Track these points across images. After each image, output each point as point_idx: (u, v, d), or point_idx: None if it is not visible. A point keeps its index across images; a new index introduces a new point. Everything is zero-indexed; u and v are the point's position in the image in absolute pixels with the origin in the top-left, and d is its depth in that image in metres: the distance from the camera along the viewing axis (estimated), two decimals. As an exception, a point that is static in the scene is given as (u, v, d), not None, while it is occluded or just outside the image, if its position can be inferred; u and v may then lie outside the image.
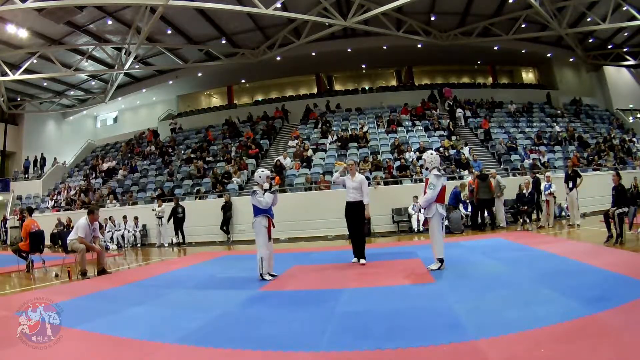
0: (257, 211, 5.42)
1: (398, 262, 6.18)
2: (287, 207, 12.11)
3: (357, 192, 6.03)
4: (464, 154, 13.61)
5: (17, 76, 15.68)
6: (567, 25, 15.76)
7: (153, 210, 12.43)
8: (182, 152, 17.98)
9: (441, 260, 5.24)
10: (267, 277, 5.36)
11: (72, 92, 20.51)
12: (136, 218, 12.93)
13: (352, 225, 6.18)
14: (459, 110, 17.82)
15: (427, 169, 5.46)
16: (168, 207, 12.62)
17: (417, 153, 14.09)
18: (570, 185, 9.30)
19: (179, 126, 21.13)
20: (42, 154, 19.79)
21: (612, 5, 14.18)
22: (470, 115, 17.86)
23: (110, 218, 13.17)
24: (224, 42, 17.55)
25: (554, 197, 9.84)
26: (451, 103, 17.07)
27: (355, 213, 6.08)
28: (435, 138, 15.62)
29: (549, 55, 20.48)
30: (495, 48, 19.05)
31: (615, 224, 6.38)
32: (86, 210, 7.23)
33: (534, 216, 10.37)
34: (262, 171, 5.61)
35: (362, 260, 6.10)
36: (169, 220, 12.35)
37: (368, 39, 18.10)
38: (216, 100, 25.69)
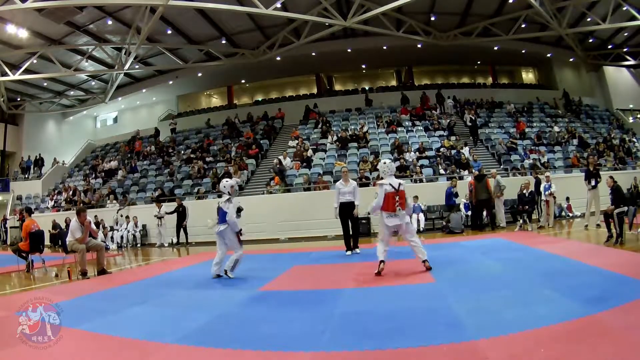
0: (225, 219, 5.52)
1: (398, 262, 6.17)
2: (287, 207, 12.13)
3: (350, 195, 7.17)
4: (463, 154, 13.61)
5: (17, 76, 15.68)
6: (567, 25, 15.75)
7: (155, 216, 12.45)
8: (182, 152, 17.98)
9: (381, 261, 5.16)
10: (231, 275, 5.55)
11: (72, 92, 20.50)
12: (135, 218, 12.95)
13: (347, 221, 7.28)
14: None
15: (381, 177, 5.39)
16: (168, 207, 12.61)
17: (417, 153, 14.10)
18: (593, 183, 8.85)
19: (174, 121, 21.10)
20: (40, 154, 19.78)
21: (612, 5, 14.17)
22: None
23: (119, 214, 13.22)
24: (224, 42, 17.56)
25: (554, 197, 9.82)
26: (473, 118, 16.12)
27: (349, 212, 7.21)
28: (435, 138, 15.62)
29: (549, 55, 20.49)
30: (495, 48, 19.06)
31: (615, 224, 6.38)
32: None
33: (534, 216, 10.34)
34: (227, 181, 5.79)
35: (357, 250, 7.31)
36: (170, 213, 12.33)
37: (368, 39, 18.11)
38: (216, 100, 25.70)
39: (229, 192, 5.65)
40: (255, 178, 15.01)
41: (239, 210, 5.71)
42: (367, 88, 22.50)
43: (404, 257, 6.30)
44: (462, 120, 18.02)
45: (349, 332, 3.13)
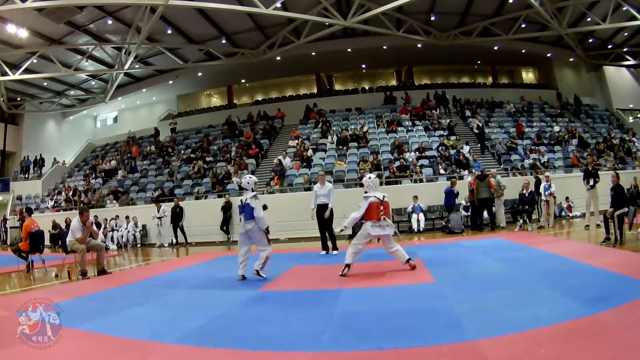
0: (252, 216, 5.34)
1: (398, 262, 6.17)
2: (287, 207, 12.11)
3: (326, 197, 7.45)
4: (463, 154, 13.60)
5: (17, 76, 15.68)
6: (567, 25, 15.75)
7: (153, 218, 12.45)
8: (182, 152, 17.97)
9: (347, 265, 5.32)
10: (263, 275, 5.36)
11: (72, 92, 20.51)
12: (135, 218, 12.95)
13: (322, 223, 7.55)
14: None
15: (365, 191, 5.61)
16: (168, 207, 12.61)
17: (417, 153, 14.10)
18: (592, 182, 8.81)
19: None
20: (40, 154, 19.79)
21: (612, 5, 14.17)
22: (471, 115, 17.89)
23: (114, 218, 13.20)
24: (224, 42, 17.55)
25: (554, 197, 9.82)
26: (480, 125, 15.49)
27: (324, 214, 7.47)
28: (435, 138, 15.61)
29: (549, 55, 20.49)
30: (495, 48, 19.06)
31: (615, 226, 6.36)
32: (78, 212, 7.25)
33: (534, 216, 10.33)
34: (251, 177, 5.64)
35: (335, 251, 7.51)
36: (171, 220, 12.33)
37: (368, 39, 18.11)
38: (216, 100, 25.70)
39: (252, 188, 5.49)
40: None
41: (264, 207, 5.55)
42: (387, 86, 22.44)
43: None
44: (462, 119, 18.04)
45: (349, 332, 3.12)
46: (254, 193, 5.47)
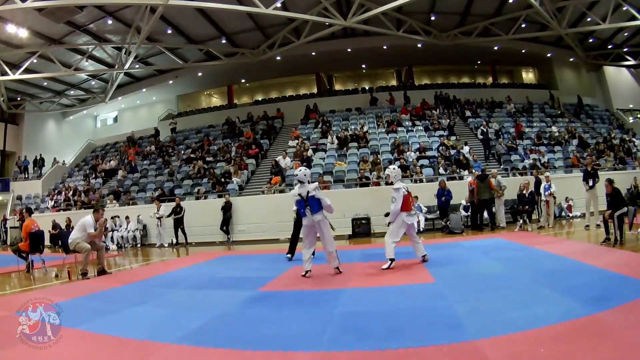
0: (319, 207, 5.34)
1: (398, 262, 6.17)
2: (287, 207, 12.12)
3: None
4: (463, 154, 13.60)
5: (17, 76, 15.67)
6: (567, 25, 15.75)
7: (151, 216, 12.45)
8: (182, 152, 17.97)
9: (392, 260, 5.59)
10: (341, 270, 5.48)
11: (72, 92, 20.51)
12: (139, 216, 12.95)
13: (299, 226, 6.90)
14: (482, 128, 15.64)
15: (391, 182, 5.93)
16: (168, 207, 12.60)
17: (417, 153, 14.10)
18: (591, 183, 8.81)
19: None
20: (40, 154, 19.78)
21: (612, 5, 14.17)
22: (471, 115, 17.90)
23: (115, 217, 13.18)
24: (224, 41, 17.55)
25: (554, 198, 9.82)
26: (485, 130, 15.10)
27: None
28: (435, 138, 15.61)
29: (549, 55, 20.48)
30: (495, 48, 19.06)
31: (615, 226, 6.36)
32: (86, 210, 7.24)
33: (534, 216, 10.32)
34: (306, 169, 5.58)
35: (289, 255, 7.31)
36: (168, 215, 12.34)
37: (368, 39, 18.12)
38: (216, 100, 25.70)
39: (309, 180, 5.45)
40: (255, 178, 15.01)
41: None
42: (370, 88, 22.40)
43: (403, 257, 6.33)
44: (462, 119, 18.04)
45: (349, 332, 3.13)
46: (316, 184, 5.48)
